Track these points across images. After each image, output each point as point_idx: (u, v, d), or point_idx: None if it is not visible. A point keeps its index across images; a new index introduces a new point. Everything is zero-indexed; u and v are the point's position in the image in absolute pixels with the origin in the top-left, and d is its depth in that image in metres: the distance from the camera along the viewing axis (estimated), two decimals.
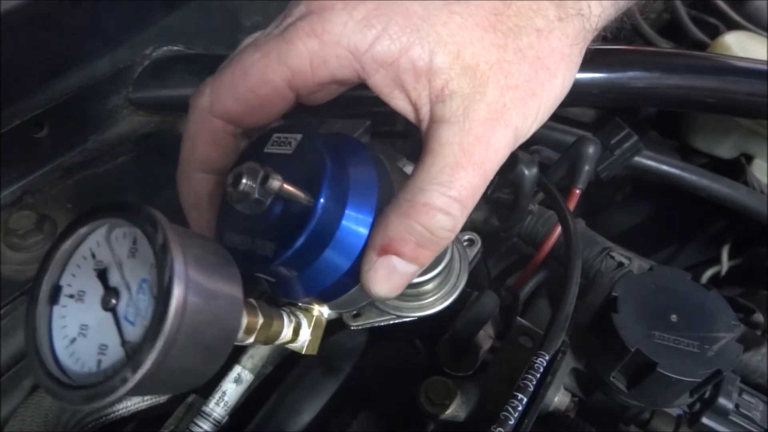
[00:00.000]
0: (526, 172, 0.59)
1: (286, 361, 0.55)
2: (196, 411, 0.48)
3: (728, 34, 0.90)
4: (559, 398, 0.48)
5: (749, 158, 0.86)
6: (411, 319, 0.49)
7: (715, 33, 0.94)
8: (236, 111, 0.42)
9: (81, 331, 0.36)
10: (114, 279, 0.36)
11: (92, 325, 0.36)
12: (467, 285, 0.50)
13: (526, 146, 0.69)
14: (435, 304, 0.49)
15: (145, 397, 0.53)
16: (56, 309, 0.38)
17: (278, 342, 0.43)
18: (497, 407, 0.43)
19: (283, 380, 0.53)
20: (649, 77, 0.62)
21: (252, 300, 0.41)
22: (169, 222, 0.34)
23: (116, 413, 0.52)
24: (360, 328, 0.50)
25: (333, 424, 0.52)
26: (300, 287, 0.42)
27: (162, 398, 0.54)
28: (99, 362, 0.35)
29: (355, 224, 0.41)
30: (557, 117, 0.82)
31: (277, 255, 0.39)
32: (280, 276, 0.42)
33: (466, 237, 0.54)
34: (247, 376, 0.49)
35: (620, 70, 0.62)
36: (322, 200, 0.39)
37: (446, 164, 0.40)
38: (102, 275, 0.37)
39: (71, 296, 0.37)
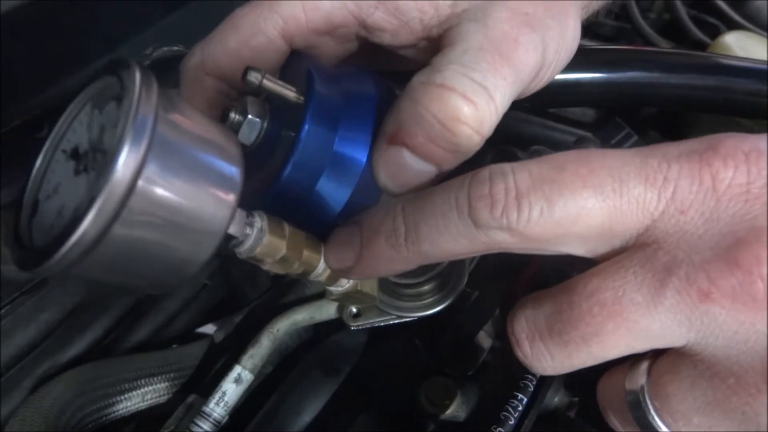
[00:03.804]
0: None
1: (286, 361, 0.55)
2: (196, 411, 0.48)
3: (728, 34, 0.90)
4: (559, 398, 0.48)
5: None
6: (411, 319, 0.49)
7: (715, 33, 0.94)
8: (228, 66, 0.40)
9: (53, 190, 0.33)
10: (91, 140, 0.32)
11: (63, 186, 0.32)
12: (467, 285, 0.50)
13: (526, 146, 0.69)
14: (435, 304, 0.49)
15: (146, 397, 0.53)
16: (54, 162, 0.34)
17: (320, 277, 0.39)
18: (497, 407, 0.43)
19: (283, 380, 0.53)
20: (649, 77, 0.62)
21: (276, 218, 0.37)
22: (160, 88, 0.30)
23: (116, 413, 0.52)
24: (360, 328, 0.50)
25: (333, 424, 0.52)
26: (323, 201, 0.38)
27: (162, 398, 0.54)
28: (52, 225, 0.31)
29: (360, 108, 0.37)
30: (557, 117, 0.82)
31: (287, 159, 0.36)
32: (298, 194, 0.37)
33: None
34: (247, 376, 0.49)
35: (620, 70, 0.62)
36: (316, 86, 0.36)
37: (469, 47, 0.35)
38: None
39: (64, 151, 0.34)
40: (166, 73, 0.70)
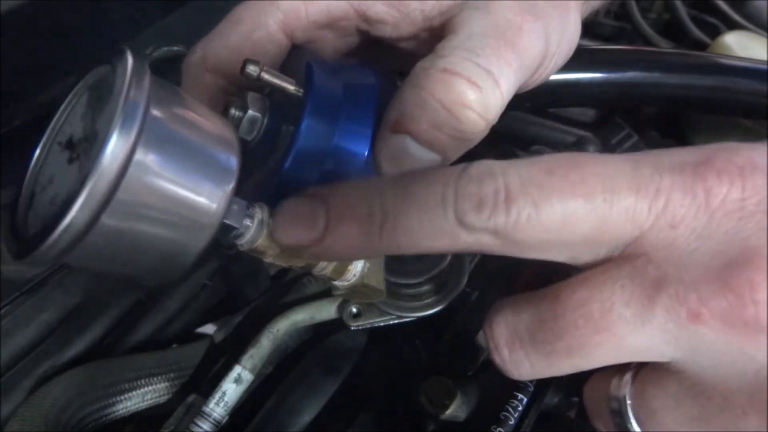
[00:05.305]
0: None
1: (286, 361, 0.55)
2: (196, 411, 0.48)
3: (728, 34, 0.90)
4: (559, 398, 0.48)
5: None
6: (411, 319, 0.49)
7: (715, 33, 0.94)
8: (229, 61, 0.40)
9: (48, 181, 0.32)
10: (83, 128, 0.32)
11: (57, 176, 0.32)
12: (467, 285, 0.50)
13: (526, 146, 0.69)
14: (435, 304, 0.49)
15: (146, 397, 0.53)
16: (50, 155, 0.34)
17: (325, 270, 0.38)
18: (497, 407, 0.43)
19: (283, 380, 0.53)
20: (649, 77, 0.62)
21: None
22: (154, 76, 0.30)
23: (116, 413, 0.52)
24: (360, 328, 0.50)
25: (333, 424, 0.52)
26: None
27: (162, 398, 0.54)
28: (45, 215, 0.30)
29: (360, 100, 0.37)
30: (557, 117, 0.83)
31: (288, 153, 0.36)
32: (300, 188, 0.36)
33: None
34: (247, 376, 0.49)
35: (620, 70, 0.62)
36: (315, 79, 0.36)
37: (473, 33, 0.35)
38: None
39: (60, 143, 0.33)
40: (167, 74, 0.70)
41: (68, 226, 0.27)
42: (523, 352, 0.32)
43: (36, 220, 0.31)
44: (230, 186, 0.32)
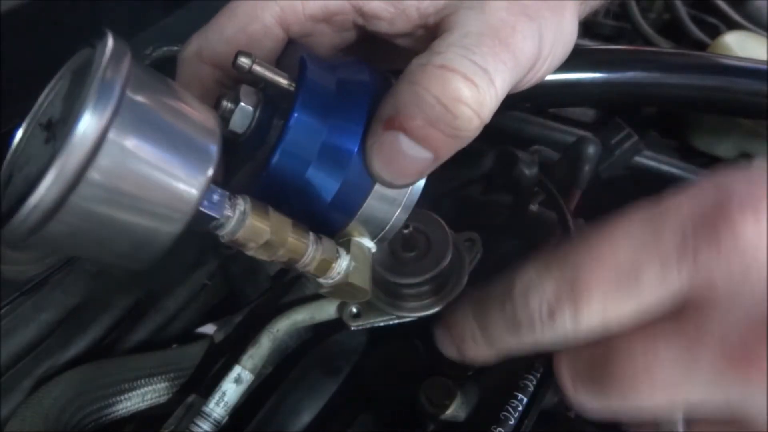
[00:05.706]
0: (526, 172, 0.59)
1: (286, 361, 0.55)
2: (196, 411, 0.48)
3: (728, 34, 0.90)
4: (559, 398, 0.48)
5: (749, 158, 0.86)
6: (411, 319, 0.49)
7: (715, 33, 0.94)
8: (225, 54, 0.39)
9: (26, 161, 0.32)
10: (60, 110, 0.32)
11: (33, 156, 0.32)
12: (467, 285, 0.50)
13: (526, 146, 0.69)
14: (435, 304, 0.49)
15: (146, 397, 0.53)
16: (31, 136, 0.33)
17: (308, 267, 0.38)
18: (497, 407, 0.43)
19: (283, 380, 0.53)
20: (649, 77, 0.63)
21: (262, 203, 0.36)
22: (132, 57, 0.29)
23: (116, 413, 0.52)
24: (360, 328, 0.50)
25: (333, 424, 0.52)
26: (314, 191, 0.37)
27: (162, 398, 0.54)
28: (18, 193, 0.29)
29: (353, 97, 0.37)
30: (557, 117, 0.83)
31: (276, 147, 0.36)
32: (288, 183, 0.37)
33: (466, 237, 0.54)
34: (247, 376, 0.49)
35: (620, 70, 0.62)
36: (308, 73, 0.36)
37: (469, 32, 0.35)
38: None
39: (40, 124, 0.33)
40: (166, 74, 0.70)
41: (36, 204, 0.27)
42: (585, 390, 0.34)
43: (9, 198, 0.30)
44: (207, 173, 0.31)
